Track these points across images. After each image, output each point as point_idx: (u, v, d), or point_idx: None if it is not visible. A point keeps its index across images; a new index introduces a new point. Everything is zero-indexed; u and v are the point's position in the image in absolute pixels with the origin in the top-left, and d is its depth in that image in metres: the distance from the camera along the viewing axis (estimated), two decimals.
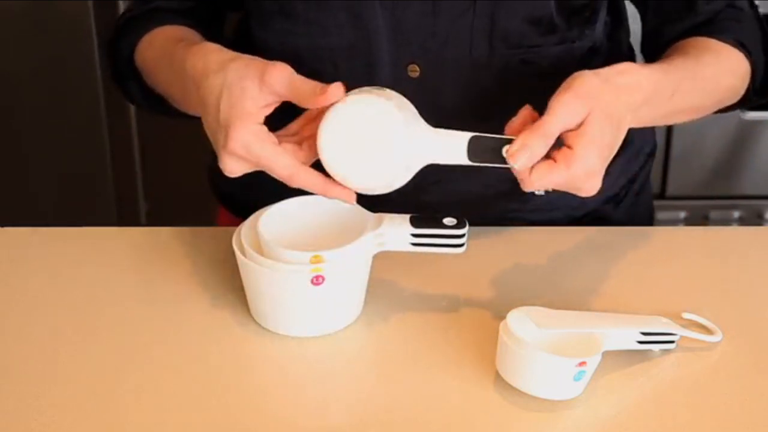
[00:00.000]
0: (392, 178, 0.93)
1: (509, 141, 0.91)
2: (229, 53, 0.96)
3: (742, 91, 1.12)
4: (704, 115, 1.12)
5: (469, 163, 0.93)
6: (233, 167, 0.93)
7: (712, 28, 1.11)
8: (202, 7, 1.17)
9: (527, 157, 0.90)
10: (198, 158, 1.37)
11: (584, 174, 0.91)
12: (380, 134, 0.91)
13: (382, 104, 0.91)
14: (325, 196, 0.94)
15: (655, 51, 1.13)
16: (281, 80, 0.92)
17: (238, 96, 0.92)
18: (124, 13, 1.19)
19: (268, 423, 0.88)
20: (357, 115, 0.91)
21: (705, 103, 1.09)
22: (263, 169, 0.93)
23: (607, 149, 0.93)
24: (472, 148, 0.92)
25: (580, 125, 0.91)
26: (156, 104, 1.16)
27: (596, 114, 0.91)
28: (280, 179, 0.93)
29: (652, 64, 1.02)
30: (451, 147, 0.92)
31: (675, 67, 1.03)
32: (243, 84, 0.92)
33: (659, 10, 1.14)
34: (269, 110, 0.93)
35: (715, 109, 1.13)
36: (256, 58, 0.94)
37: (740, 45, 1.09)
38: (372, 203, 0.99)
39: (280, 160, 0.92)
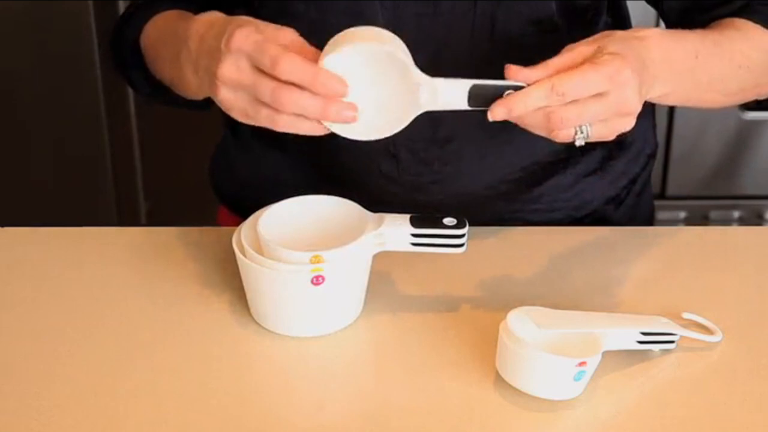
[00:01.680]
0: (389, 123, 0.92)
1: (510, 87, 0.90)
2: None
3: None
4: (742, 97, 1.09)
5: (469, 108, 0.91)
6: (230, 70, 0.90)
7: (741, 14, 1.09)
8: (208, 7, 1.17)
9: (525, 72, 0.89)
10: (198, 158, 1.37)
11: (616, 72, 0.88)
12: (381, 77, 0.90)
13: (381, 49, 0.90)
14: (325, 117, 0.90)
15: None
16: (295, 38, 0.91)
17: (244, 19, 0.92)
18: (128, 6, 1.20)
19: (268, 423, 0.88)
20: (357, 58, 0.90)
21: (739, 81, 1.06)
22: (265, 54, 0.89)
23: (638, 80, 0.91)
24: (473, 95, 0.91)
25: (598, 51, 0.90)
26: (159, 93, 1.16)
27: (610, 41, 0.91)
28: (273, 62, 0.89)
29: (667, 29, 1.01)
30: (452, 93, 0.91)
31: (693, 33, 1.02)
32: (259, 22, 0.92)
33: (686, 4, 1.12)
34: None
35: (752, 93, 1.10)
36: None
37: None
38: (372, 203, 1.00)
39: (284, 32, 0.91)
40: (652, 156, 1.25)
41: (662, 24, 1.22)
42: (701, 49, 1.00)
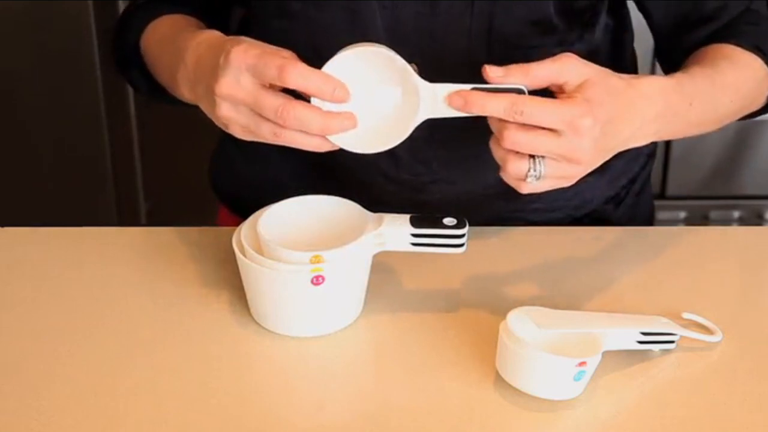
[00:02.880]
0: (390, 134, 0.92)
1: (509, 90, 0.89)
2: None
3: (763, 98, 1.11)
4: (728, 123, 1.10)
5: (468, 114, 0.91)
6: (230, 86, 0.90)
7: (729, 32, 1.10)
8: (207, 9, 1.17)
9: (502, 72, 0.88)
10: (198, 158, 1.37)
11: (576, 118, 0.87)
12: (381, 83, 0.91)
13: (381, 52, 0.90)
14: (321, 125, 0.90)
15: (672, 59, 1.12)
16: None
17: (241, 38, 0.93)
18: (129, 5, 1.20)
19: (268, 423, 0.88)
20: (357, 63, 0.90)
21: (727, 112, 1.07)
22: (270, 64, 0.89)
23: (602, 137, 0.90)
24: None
25: (579, 87, 0.89)
26: (159, 92, 1.16)
27: (596, 83, 0.90)
28: (280, 71, 0.89)
29: (666, 76, 1.01)
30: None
31: (691, 77, 1.02)
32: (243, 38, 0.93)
33: (675, 19, 1.13)
34: None
35: (740, 115, 1.11)
36: None
37: (758, 50, 1.08)
38: (371, 203, 1.00)
39: (281, 51, 0.91)
40: (652, 155, 1.25)
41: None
42: (696, 94, 1.00)
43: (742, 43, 1.08)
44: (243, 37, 0.94)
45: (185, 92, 1.01)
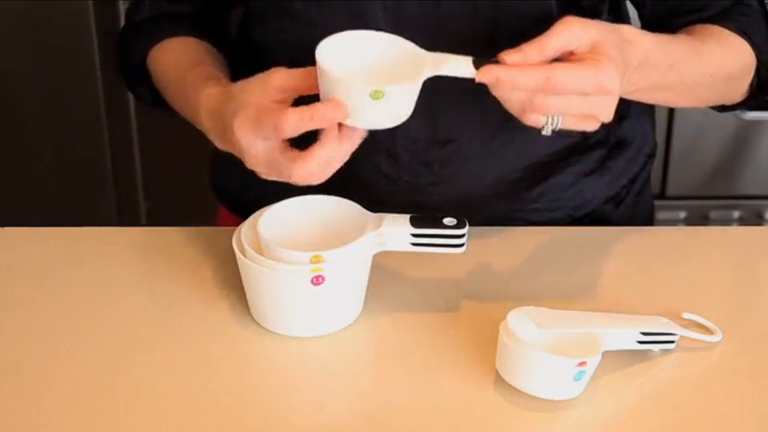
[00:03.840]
0: (400, 108, 0.91)
1: None
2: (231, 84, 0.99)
3: (746, 84, 1.11)
4: (707, 101, 1.11)
5: (474, 75, 0.90)
6: (252, 161, 0.94)
7: (719, 19, 1.10)
8: (207, 10, 1.17)
9: (521, 57, 0.89)
10: (198, 158, 1.37)
11: (607, 80, 0.90)
12: (381, 61, 0.91)
13: (379, 34, 0.91)
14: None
15: None
16: (282, 76, 0.93)
17: (244, 96, 0.93)
18: (128, 17, 1.20)
19: (268, 423, 0.88)
20: (356, 44, 0.91)
21: (707, 83, 1.07)
22: (267, 125, 0.91)
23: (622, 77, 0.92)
24: (477, 63, 0.91)
25: (595, 49, 0.91)
26: (163, 106, 1.17)
27: (607, 41, 0.92)
28: (277, 132, 0.91)
29: (652, 33, 1.01)
30: (456, 62, 0.91)
31: (677, 41, 1.03)
32: (246, 88, 0.94)
33: (665, 7, 1.13)
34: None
35: (720, 98, 1.12)
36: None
37: (746, 36, 1.09)
38: (372, 203, 1.00)
39: (272, 77, 0.93)
40: (652, 155, 1.25)
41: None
42: (678, 57, 1.02)
43: (731, 26, 1.09)
44: (234, 98, 0.94)
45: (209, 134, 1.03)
